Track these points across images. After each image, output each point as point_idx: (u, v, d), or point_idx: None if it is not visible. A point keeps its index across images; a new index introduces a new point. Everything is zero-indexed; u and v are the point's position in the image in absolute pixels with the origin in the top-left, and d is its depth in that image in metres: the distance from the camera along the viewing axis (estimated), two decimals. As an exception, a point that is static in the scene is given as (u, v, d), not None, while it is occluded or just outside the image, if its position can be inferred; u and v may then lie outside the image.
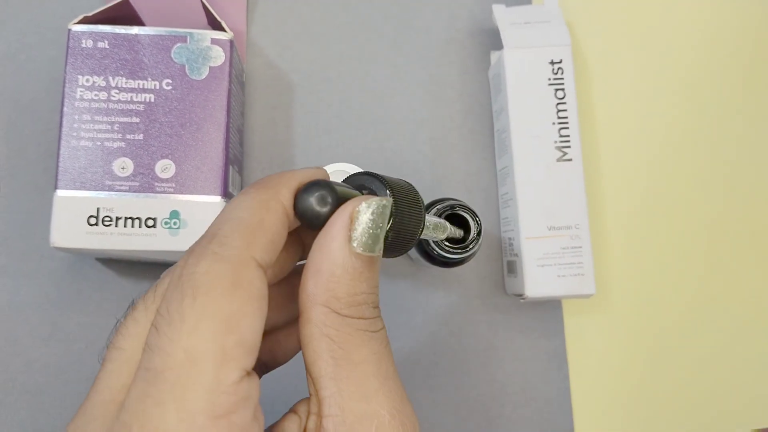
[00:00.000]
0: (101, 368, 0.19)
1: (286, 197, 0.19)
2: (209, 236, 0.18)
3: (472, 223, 0.31)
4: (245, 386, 0.17)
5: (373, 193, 0.21)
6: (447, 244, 0.31)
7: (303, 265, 0.20)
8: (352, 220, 0.19)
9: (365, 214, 0.19)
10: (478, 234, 0.31)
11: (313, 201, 0.19)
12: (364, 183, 0.21)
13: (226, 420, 0.16)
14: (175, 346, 0.16)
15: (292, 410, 0.19)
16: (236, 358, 0.16)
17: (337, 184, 0.19)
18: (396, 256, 0.22)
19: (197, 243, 0.18)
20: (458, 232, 0.31)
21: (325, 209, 0.19)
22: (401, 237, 0.21)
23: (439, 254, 0.31)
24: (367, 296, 0.19)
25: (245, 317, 0.17)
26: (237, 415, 0.16)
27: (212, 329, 0.16)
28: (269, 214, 0.18)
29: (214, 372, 0.16)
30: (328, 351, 0.18)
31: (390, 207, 0.20)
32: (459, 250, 0.31)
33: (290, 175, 0.19)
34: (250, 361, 0.17)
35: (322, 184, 0.19)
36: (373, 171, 0.21)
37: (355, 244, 0.18)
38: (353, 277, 0.18)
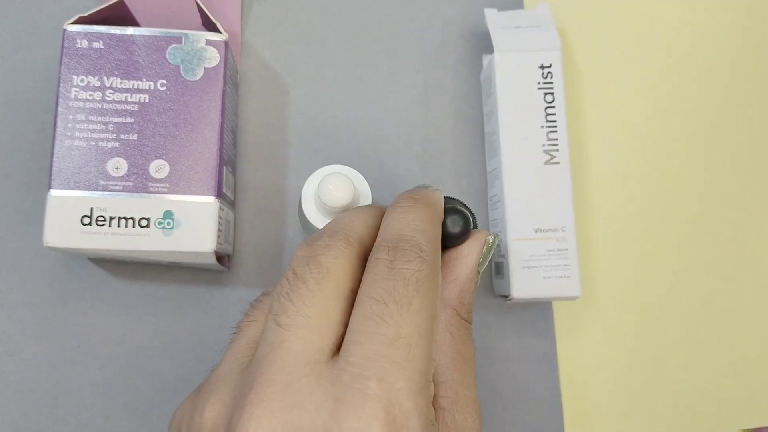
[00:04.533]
0: (232, 341, 0.24)
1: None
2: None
3: (470, 216, 0.31)
4: None
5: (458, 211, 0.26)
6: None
7: None
8: (483, 249, 0.25)
9: (489, 244, 0.25)
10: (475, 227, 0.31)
11: (453, 223, 0.25)
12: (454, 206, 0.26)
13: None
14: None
15: None
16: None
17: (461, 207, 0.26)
18: None
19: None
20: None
21: (458, 230, 0.25)
22: None
23: None
24: (472, 307, 0.24)
25: None
26: None
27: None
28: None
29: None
30: (450, 345, 0.22)
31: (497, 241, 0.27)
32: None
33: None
34: None
35: (460, 210, 0.26)
36: (461, 203, 0.26)
37: (481, 268, 0.24)
38: (473, 290, 0.24)
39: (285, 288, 0.21)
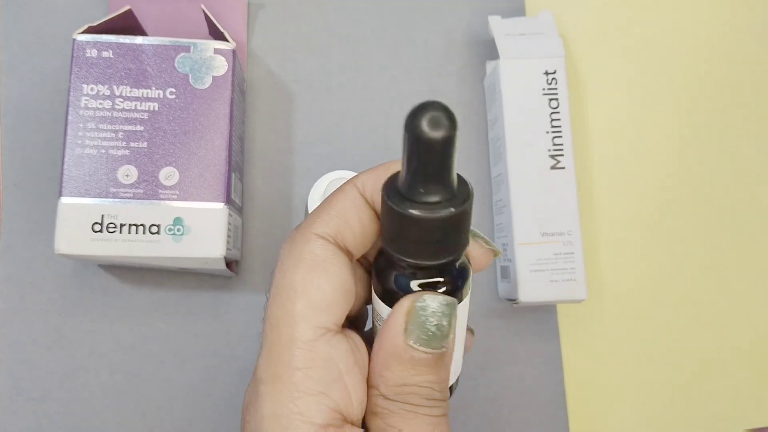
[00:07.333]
0: None
1: (363, 180, 0.20)
2: None
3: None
4: (323, 345, 0.19)
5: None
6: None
7: None
8: (409, 314, 0.18)
9: (423, 312, 0.18)
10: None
11: (425, 124, 0.16)
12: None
13: (303, 373, 0.18)
14: (266, 314, 0.20)
15: None
16: (306, 318, 0.19)
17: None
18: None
19: None
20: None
21: (439, 134, 0.16)
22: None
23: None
24: (419, 389, 0.19)
25: (310, 283, 0.19)
26: (315, 370, 0.18)
27: (282, 298, 0.19)
28: (339, 196, 0.20)
29: (288, 331, 0.19)
30: (377, 429, 0.19)
31: (454, 306, 0.18)
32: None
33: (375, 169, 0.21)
34: (324, 319, 0.19)
35: (436, 106, 0.16)
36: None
37: (410, 340, 0.18)
38: (405, 368, 0.19)
39: None
